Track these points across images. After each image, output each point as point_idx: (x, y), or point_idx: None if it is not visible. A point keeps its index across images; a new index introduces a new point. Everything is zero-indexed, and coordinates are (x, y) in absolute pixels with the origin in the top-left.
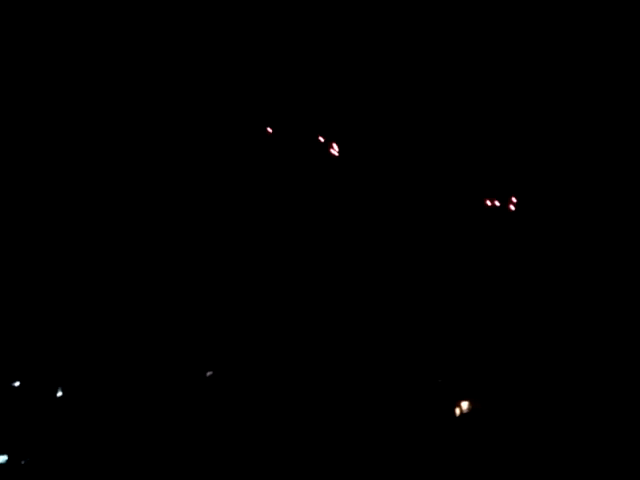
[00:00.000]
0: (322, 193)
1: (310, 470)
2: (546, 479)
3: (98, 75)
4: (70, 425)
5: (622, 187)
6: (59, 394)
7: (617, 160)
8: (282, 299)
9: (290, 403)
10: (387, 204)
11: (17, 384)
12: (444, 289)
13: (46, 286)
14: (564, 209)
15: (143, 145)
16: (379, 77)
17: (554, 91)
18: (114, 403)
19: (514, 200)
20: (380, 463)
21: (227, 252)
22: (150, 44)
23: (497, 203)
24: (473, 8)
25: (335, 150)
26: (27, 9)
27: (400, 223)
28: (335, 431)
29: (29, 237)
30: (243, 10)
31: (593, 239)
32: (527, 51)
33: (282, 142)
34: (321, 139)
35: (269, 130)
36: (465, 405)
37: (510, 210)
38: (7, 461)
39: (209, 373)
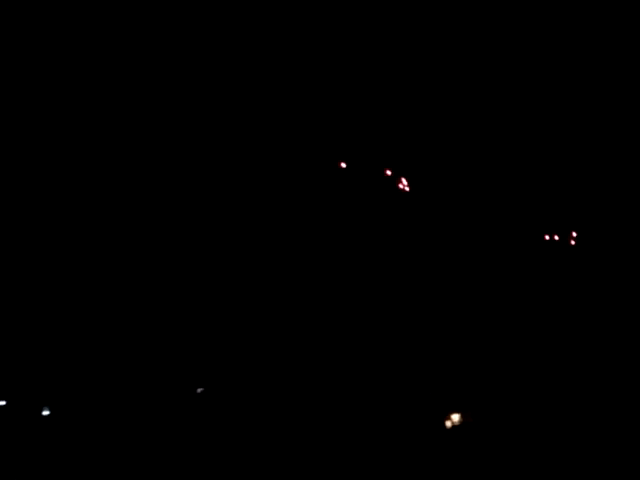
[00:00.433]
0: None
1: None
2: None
3: (98, 75)
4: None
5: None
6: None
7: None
8: (282, 299)
9: (290, 404)
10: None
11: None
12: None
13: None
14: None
15: (143, 145)
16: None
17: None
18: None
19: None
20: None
21: (227, 252)
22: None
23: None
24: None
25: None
26: (27, 9)
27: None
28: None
29: (29, 237)
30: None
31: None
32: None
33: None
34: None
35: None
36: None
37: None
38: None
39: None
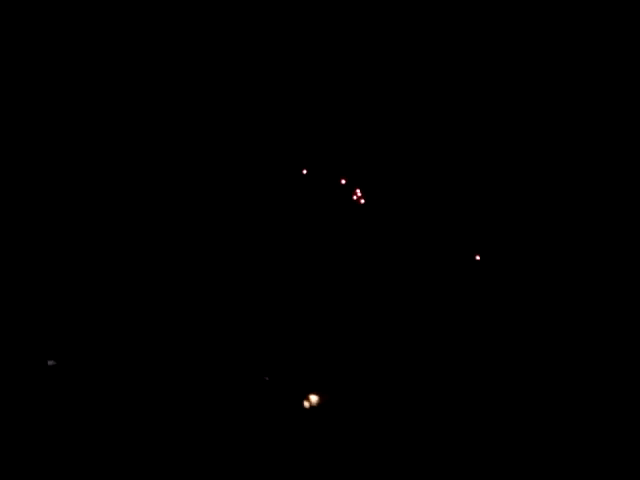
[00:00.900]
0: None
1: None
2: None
3: (98, 75)
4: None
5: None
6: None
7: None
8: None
9: (289, 403)
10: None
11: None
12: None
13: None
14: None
15: (143, 145)
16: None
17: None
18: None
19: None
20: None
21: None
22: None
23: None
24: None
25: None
26: (27, 9)
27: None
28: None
29: (29, 237)
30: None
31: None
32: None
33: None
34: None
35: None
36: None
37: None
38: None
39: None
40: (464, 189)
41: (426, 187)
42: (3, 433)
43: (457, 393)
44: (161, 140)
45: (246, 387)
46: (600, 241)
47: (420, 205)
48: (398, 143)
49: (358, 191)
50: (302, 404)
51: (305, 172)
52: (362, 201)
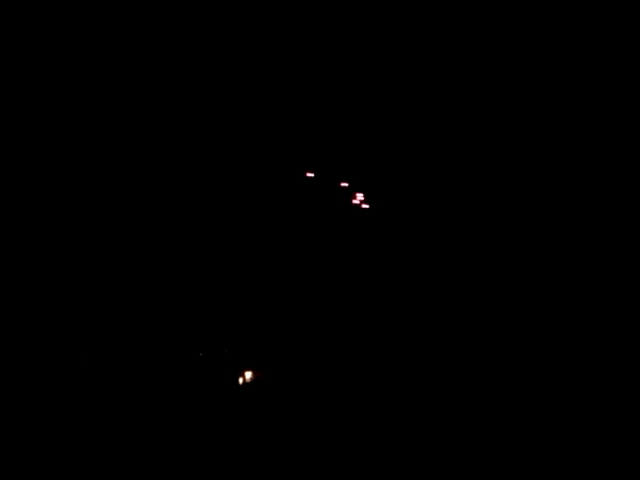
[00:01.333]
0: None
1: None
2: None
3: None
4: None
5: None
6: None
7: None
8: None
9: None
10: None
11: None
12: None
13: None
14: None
15: (143, 145)
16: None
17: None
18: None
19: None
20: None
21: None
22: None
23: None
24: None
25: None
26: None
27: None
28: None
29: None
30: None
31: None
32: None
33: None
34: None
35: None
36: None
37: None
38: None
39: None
40: (464, 189)
41: (426, 188)
42: (3, 433)
43: (457, 393)
44: (161, 140)
45: (246, 387)
46: (600, 241)
47: (420, 205)
48: (399, 143)
49: (359, 194)
50: (301, 404)
51: (305, 172)
52: (363, 205)
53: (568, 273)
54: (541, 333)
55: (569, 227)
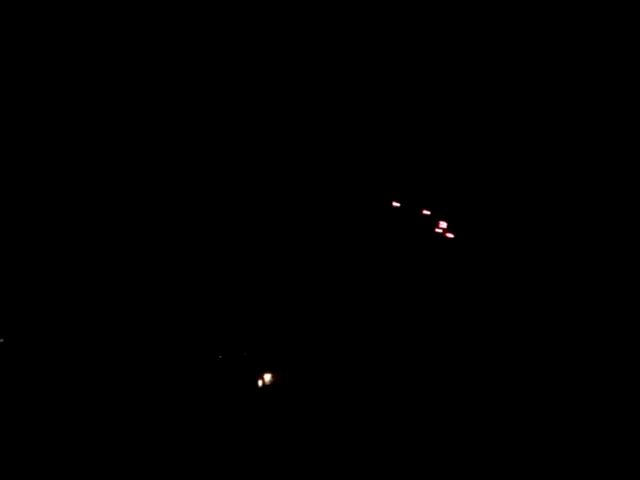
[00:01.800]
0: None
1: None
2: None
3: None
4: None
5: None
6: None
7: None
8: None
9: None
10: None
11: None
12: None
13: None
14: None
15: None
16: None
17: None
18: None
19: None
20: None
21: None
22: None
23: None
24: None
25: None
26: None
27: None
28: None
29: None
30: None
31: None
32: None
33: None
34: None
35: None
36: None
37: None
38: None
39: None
40: (465, 190)
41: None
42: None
43: (457, 393)
44: (161, 140)
45: (245, 387)
46: (600, 241)
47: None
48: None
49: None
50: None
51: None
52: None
53: (568, 273)
54: (541, 333)
55: (569, 227)
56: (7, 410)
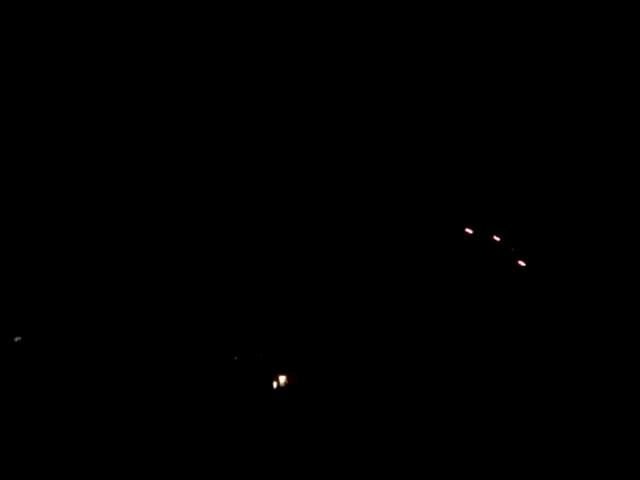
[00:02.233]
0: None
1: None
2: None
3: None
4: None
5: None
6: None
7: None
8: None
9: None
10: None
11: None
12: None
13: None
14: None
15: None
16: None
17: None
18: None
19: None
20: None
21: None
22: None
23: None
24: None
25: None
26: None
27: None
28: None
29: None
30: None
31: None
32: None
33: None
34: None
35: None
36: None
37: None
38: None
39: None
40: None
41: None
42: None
43: (457, 393)
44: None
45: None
46: (600, 241)
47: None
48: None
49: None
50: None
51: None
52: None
53: (569, 273)
54: (541, 334)
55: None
56: (8, 410)
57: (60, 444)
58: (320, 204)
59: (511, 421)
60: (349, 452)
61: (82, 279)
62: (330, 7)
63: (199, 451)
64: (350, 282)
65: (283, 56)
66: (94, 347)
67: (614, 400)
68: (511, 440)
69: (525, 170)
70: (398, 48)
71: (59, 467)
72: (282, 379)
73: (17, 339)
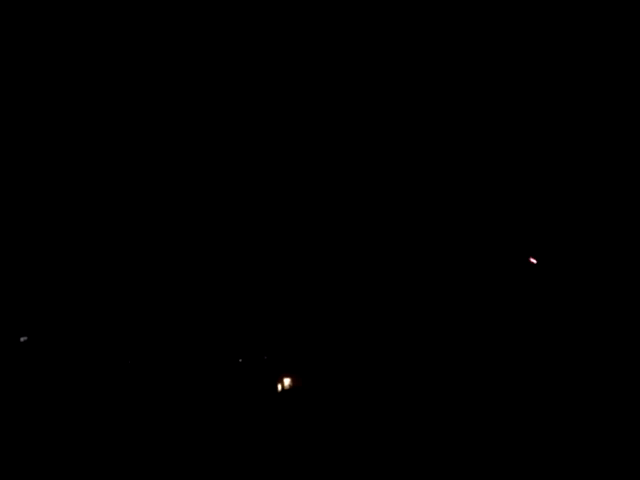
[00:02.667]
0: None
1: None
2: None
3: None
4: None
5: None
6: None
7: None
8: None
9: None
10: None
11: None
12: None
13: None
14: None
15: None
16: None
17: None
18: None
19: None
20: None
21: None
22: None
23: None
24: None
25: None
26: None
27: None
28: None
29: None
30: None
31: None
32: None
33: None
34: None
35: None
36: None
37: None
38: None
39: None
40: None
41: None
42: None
43: (457, 393)
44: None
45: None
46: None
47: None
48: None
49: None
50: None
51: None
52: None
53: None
54: (541, 334)
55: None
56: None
57: (63, 444)
58: (320, 204)
59: (511, 421)
60: (353, 453)
61: (86, 281)
62: (330, 7)
63: (204, 453)
64: (354, 284)
65: (283, 56)
66: (101, 349)
67: (614, 400)
68: (511, 440)
69: (525, 170)
70: (398, 48)
71: (61, 467)
72: (287, 381)
73: (23, 339)
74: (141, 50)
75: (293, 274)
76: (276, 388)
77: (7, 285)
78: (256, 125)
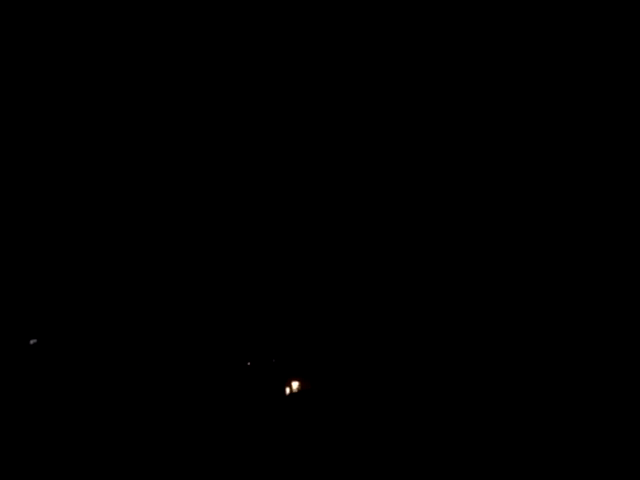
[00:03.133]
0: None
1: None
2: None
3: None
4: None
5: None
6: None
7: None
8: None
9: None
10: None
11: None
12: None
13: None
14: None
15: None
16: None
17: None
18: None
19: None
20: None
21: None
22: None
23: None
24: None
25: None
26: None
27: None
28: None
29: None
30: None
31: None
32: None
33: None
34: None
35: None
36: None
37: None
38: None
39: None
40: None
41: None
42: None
43: (457, 393)
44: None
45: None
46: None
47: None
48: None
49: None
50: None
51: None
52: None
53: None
54: (542, 334)
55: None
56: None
57: (64, 444)
58: (320, 204)
59: (511, 421)
60: (360, 456)
61: (88, 283)
62: (330, 7)
63: (211, 456)
64: (358, 286)
65: (283, 56)
66: (106, 353)
67: (614, 400)
68: (511, 440)
69: (525, 170)
70: (398, 48)
71: (64, 467)
72: (295, 385)
73: (33, 341)
74: (141, 50)
75: (299, 277)
76: (284, 391)
77: (8, 285)
78: (256, 125)
